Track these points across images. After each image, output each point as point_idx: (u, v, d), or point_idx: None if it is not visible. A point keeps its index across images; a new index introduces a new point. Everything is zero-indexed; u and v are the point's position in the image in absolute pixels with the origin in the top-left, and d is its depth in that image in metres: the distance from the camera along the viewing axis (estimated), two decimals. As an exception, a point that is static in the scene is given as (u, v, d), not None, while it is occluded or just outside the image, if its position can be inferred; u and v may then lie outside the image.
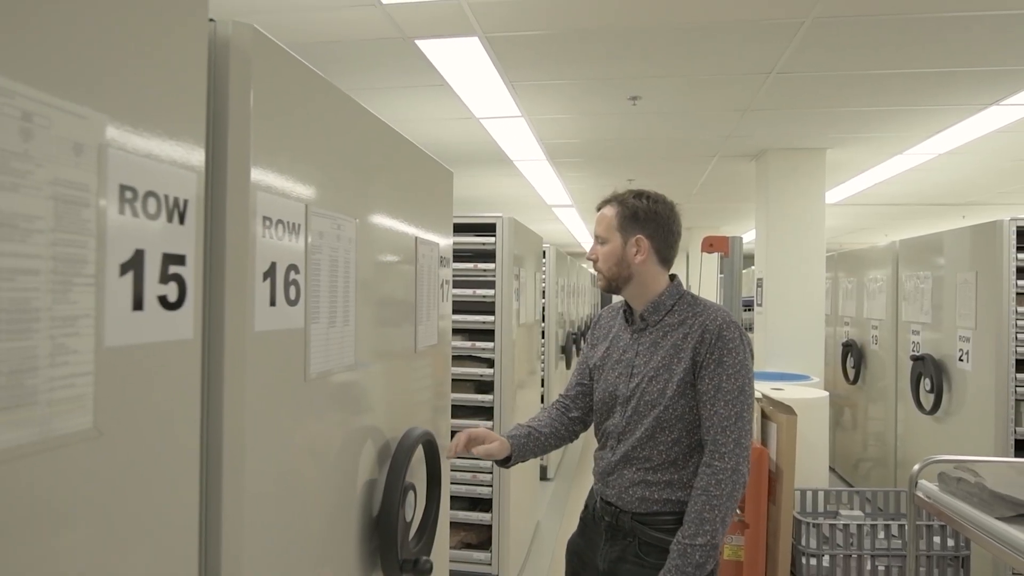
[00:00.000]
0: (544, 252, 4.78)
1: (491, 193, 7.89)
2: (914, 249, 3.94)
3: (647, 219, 1.62)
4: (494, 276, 3.17)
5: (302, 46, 3.14)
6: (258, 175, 0.82)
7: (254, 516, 0.82)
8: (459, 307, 3.11)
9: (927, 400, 3.55)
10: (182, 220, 0.71)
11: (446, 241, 1.67)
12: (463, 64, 3.52)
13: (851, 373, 4.81)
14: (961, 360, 3.30)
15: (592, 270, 1.67)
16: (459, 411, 3.13)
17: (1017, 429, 2.98)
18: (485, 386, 3.22)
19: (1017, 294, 2.97)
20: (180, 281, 0.71)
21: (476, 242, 3.20)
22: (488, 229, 3.20)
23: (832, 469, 5.08)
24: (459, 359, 3.17)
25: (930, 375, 3.49)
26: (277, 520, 0.89)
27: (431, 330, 1.53)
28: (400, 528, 1.19)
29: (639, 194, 1.65)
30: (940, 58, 3.39)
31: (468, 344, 3.20)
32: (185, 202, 0.71)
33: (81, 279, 0.59)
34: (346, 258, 1.06)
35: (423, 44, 3.24)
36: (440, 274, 1.61)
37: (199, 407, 0.75)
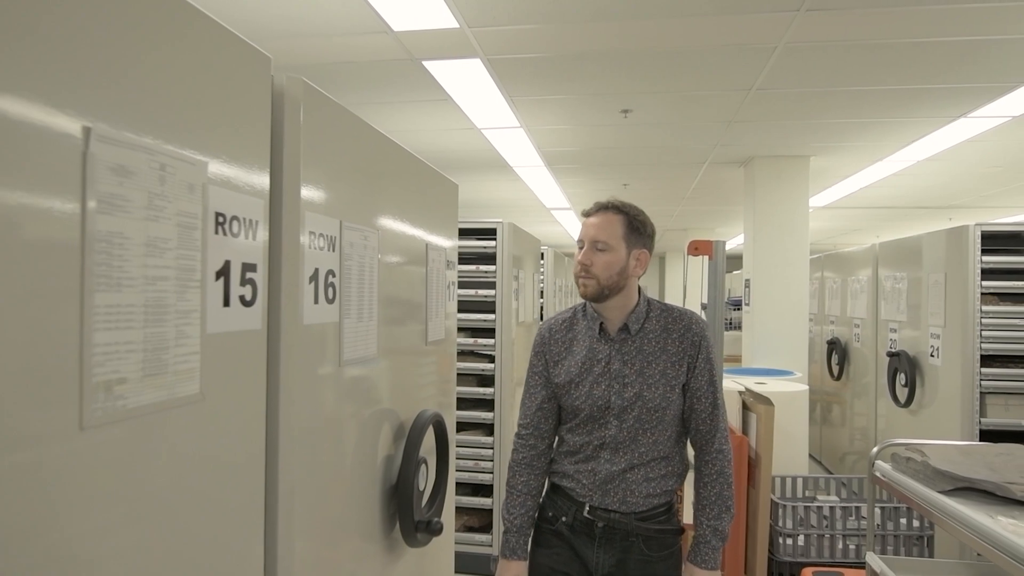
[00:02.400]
0: (542, 254, 4.94)
1: (492, 197, 7.97)
2: (892, 251, 4.03)
3: (650, 235, 1.66)
4: (495, 277, 3.30)
5: (318, 66, 3.29)
6: (306, 196, 0.98)
7: (303, 467, 1.00)
8: (462, 306, 3.23)
9: (902, 394, 3.65)
10: (254, 236, 0.89)
11: (452, 245, 1.78)
12: (466, 82, 3.65)
13: (835, 370, 4.87)
14: (932, 356, 3.41)
15: (578, 275, 1.66)
16: (462, 403, 3.29)
17: (982, 420, 3.11)
18: (486, 380, 3.37)
19: (982, 294, 3.11)
20: (253, 284, 0.89)
21: (478, 245, 3.32)
22: (489, 233, 3.32)
23: (820, 463, 5.21)
24: (462, 354, 3.30)
25: (904, 370, 3.61)
26: (318, 477, 1.05)
27: (439, 326, 1.65)
28: (415, 495, 1.33)
29: (636, 209, 1.66)
30: (908, 77, 3.55)
31: (471, 341, 3.34)
32: (256, 222, 0.89)
33: (192, 283, 0.77)
34: (370, 264, 1.22)
35: (429, 64, 3.38)
36: (447, 276, 1.72)
37: (264, 381, 0.93)
